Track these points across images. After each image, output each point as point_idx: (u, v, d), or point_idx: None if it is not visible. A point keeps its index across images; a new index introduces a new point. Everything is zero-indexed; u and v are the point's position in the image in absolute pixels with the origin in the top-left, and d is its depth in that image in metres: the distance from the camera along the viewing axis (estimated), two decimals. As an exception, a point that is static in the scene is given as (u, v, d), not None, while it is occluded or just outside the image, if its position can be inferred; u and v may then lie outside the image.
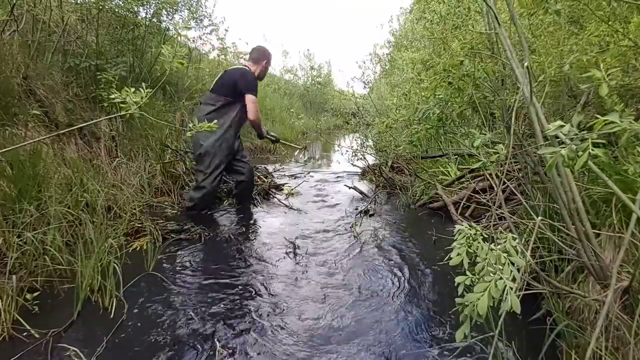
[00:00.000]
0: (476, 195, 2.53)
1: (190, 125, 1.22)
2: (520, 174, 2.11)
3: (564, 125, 0.75)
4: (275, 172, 4.35)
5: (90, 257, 1.62)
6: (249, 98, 2.70)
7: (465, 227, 0.89)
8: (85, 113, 2.92)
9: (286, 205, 3.16)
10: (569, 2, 1.71)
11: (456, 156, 3.36)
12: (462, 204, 2.71)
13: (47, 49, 2.99)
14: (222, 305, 1.59)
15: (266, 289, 1.76)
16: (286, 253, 2.16)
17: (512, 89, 1.82)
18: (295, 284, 1.82)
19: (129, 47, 3.65)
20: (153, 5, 3.73)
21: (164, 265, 1.94)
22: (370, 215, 2.89)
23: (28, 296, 1.47)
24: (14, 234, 1.67)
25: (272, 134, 3.20)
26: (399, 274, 1.92)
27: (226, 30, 5.62)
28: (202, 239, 2.29)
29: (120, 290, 1.59)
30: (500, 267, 0.77)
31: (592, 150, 0.69)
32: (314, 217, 2.90)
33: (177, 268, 1.92)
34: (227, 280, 1.82)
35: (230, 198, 3.16)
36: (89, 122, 2.59)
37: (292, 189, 3.65)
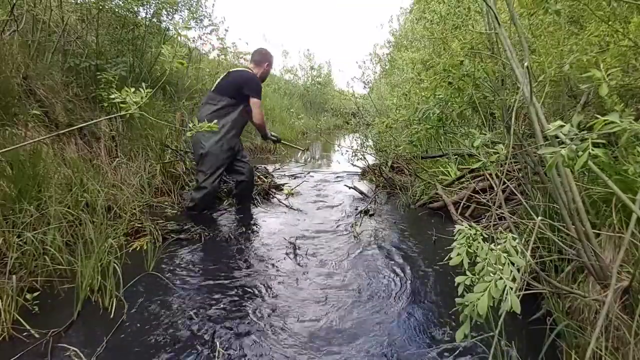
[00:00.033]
0: (476, 195, 2.53)
1: (190, 125, 1.22)
2: (520, 174, 2.11)
3: (564, 125, 0.75)
4: (275, 172, 4.35)
5: (90, 257, 1.62)
6: (255, 102, 2.74)
7: (465, 227, 0.89)
8: (85, 113, 2.92)
9: (286, 205, 3.16)
10: (569, 2, 1.71)
11: (456, 156, 3.36)
12: (462, 204, 2.71)
13: (47, 49, 2.99)
14: (222, 306, 1.59)
15: (266, 289, 1.76)
16: (286, 253, 2.16)
17: (512, 89, 1.82)
18: (295, 284, 1.82)
19: (129, 47, 3.65)
20: (153, 5, 3.73)
21: (164, 265, 1.94)
22: (370, 215, 2.89)
23: (28, 296, 1.47)
24: (14, 234, 1.67)
25: (274, 134, 3.23)
26: (399, 274, 1.92)
27: (226, 30, 5.63)
28: (202, 239, 2.29)
29: (120, 290, 1.59)
30: (500, 267, 0.77)
31: (592, 150, 0.69)
32: (314, 217, 2.90)
33: (177, 268, 1.92)
34: (227, 281, 1.82)
35: (230, 198, 3.16)
36: (89, 122, 2.59)
37: (292, 189, 3.65)
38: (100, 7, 3.20)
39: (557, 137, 0.78)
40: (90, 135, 2.86)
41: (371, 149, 4.63)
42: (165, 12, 3.94)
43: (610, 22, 1.57)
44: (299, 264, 2.03)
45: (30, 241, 1.67)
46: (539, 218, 0.98)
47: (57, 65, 2.99)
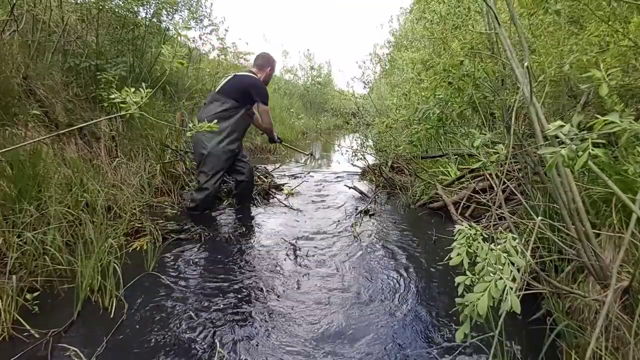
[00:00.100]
0: (476, 195, 2.53)
1: (191, 125, 1.22)
2: (520, 174, 2.11)
3: (564, 125, 0.75)
4: (275, 172, 4.35)
5: (90, 257, 1.62)
6: (264, 109, 2.88)
7: (465, 227, 0.89)
8: (85, 113, 2.92)
9: (286, 205, 3.16)
10: (569, 2, 1.71)
11: (456, 156, 3.36)
12: (462, 204, 2.71)
13: (47, 49, 2.99)
14: (222, 306, 1.59)
15: (266, 289, 1.76)
16: (286, 253, 2.16)
17: (512, 89, 1.82)
18: (295, 284, 1.82)
19: (129, 47, 3.65)
20: (153, 5, 3.73)
21: (164, 265, 1.94)
22: (371, 215, 2.89)
23: (28, 296, 1.47)
24: (14, 234, 1.67)
25: (279, 136, 3.35)
26: (399, 274, 1.92)
27: (226, 30, 5.61)
28: (202, 239, 2.29)
29: (120, 290, 1.59)
30: (500, 267, 0.77)
31: (592, 150, 0.69)
32: (314, 217, 2.90)
33: (177, 268, 1.92)
34: (228, 281, 1.82)
35: (230, 198, 3.16)
36: (89, 122, 2.59)
37: (292, 189, 3.65)
38: (100, 7, 3.20)
39: (557, 137, 0.78)
40: (90, 135, 2.86)
41: (371, 149, 4.63)
42: (165, 12, 3.93)
43: (610, 22, 1.57)
44: (299, 264, 2.03)
45: (30, 241, 1.67)
46: (539, 218, 0.98)
47: (57, 65, 2.98)
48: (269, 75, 2.99)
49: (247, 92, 2.76)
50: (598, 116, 0.73)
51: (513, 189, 2.03)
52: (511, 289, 0.73)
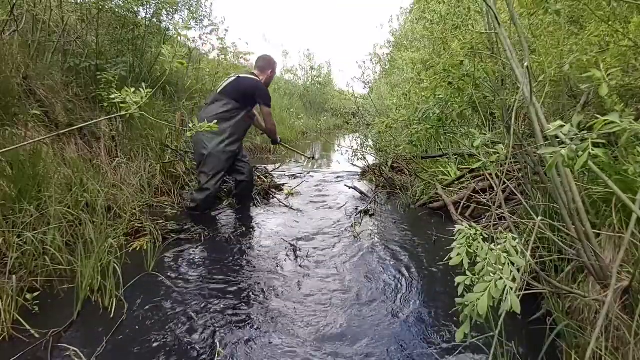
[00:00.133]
0: (476, 195, 2.53)
1: (191, 125, 1.22)
2: (520, 174, 2.11)
3: (564, 125, 0.75)
4: (275, 172, 4.35)
5: (90, 257, 1.62)
6: (267, 111, 2.94)
7: (465, 227, 0.89)
8: (85, 113, 2.92)
9: (286, 206, 3.16)
10: (569, 2, 1.71)
11: (456, 156, 3.36)
12: (462, 204, 2.71)
13: (47, 49, 2.99)
14: (222, 306, 1.59)
15: (266, 289, 1.76)
16: (286, 254, 2.16)
17: (512, 89, 1.82)
18: (295, 284, 1.82)
19: (129, 47, 3.65)
20: (153, 5, 3.73)
21: (164, 265, 1.94)
22: (371, 215, 2.89)
23: (28, 296, 1.47)
24: (14, 234, 1.67)
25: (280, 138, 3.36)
26: (399, 274, 1.92)
27: (226, 30, 5.61)
28: (202, 239, 2.29)
29: (120, 290, 1.59)
30: (500, 267, 0.77)
31: (592, 150, 0.69)
32: (314, 217, 2.90)
33: (177, 268, 1.92)
34: (228, 281, 1.82)
35: (230, 198, 3.16)
36: (89, 122, 2.59)
37: (292, 189, 3.65)
38: (100, 7, 3.20)
39: (557, 137, 0.78)
40: (90, 135, 2.86)
41: (371, 149, 4.63)
42: (165, 12, 3.93)
43: (610, 22, 1.57)
44: (298, 264, 2.03)
45: (30, 241, 1.67)
46: (539, 218, 0.98)
47: (57, 65, 2.98)
48: (270, 77, 3.02)
49: (249, 94, 2.78)
50: (598, 116, 0.73)
51: (513, 189, 2.03)
52: (511, 289, 0.73)
